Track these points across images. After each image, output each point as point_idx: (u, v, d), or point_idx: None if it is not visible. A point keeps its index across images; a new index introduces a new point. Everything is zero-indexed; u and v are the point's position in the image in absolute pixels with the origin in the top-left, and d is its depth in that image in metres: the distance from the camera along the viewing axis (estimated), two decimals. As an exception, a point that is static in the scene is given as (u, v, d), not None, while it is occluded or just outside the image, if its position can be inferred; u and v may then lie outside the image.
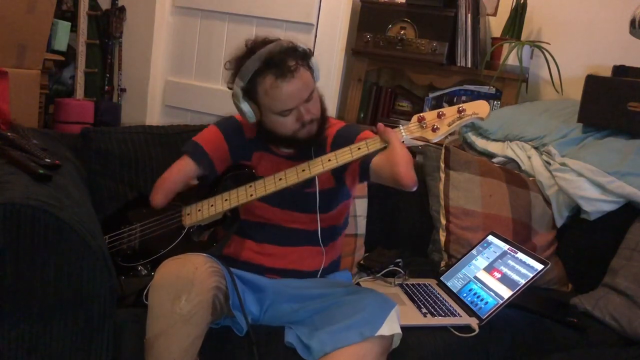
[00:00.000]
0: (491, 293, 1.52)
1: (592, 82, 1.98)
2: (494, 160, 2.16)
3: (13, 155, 1.26)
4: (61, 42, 2.92)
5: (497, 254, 1.65)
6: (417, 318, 1.45)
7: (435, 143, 2.26)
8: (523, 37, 2.46)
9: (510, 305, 1.47)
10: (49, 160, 1.30)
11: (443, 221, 1.90)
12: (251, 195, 1.37)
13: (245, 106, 1.38)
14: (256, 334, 1.27)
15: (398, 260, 1.75)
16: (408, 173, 1.27)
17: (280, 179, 1.36)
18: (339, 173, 1.45)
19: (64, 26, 2.92)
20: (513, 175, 2.01)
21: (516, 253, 1.60)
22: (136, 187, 1.71)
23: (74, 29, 3.00)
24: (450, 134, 1.42)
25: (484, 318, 1.45)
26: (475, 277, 1.62)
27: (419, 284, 1.66)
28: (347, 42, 2.76)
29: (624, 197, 1.83)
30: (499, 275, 1.57)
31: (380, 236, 1.92)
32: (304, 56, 1.38)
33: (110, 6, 3.11)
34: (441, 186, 1.94)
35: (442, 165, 1.97)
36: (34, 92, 2.52)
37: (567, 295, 1.78)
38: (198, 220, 1.42)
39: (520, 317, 1.54)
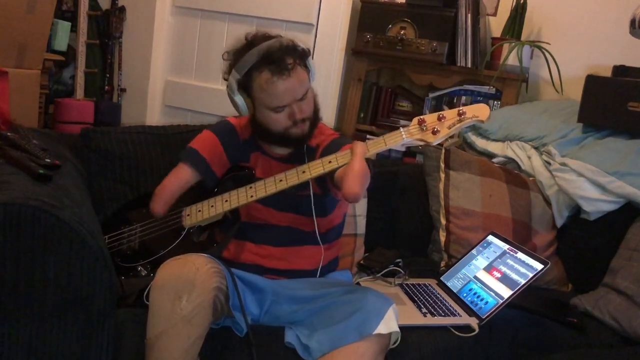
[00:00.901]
0: (491, 293, 1.52)
1: (592, 82, 1.98)
2: (494, 160, 2.16)
3: (13, 155, 1.26)
4: (61, 42, 2.92)
5: (497, 253, 1.65)
6: (417, 318, 1.45)
7: (435, 145, 2.28)
8: (523, 37, 2.46)
9: (510, 305, 1.47)
10: (49, 160, 1.30)
11: (443, 221, 1.90)
12: (251, 196, 1.37)
13: (239, 99, 1.39)
14: (256, 334, 1.27)
15: (398, 260, 1.75)
16: (353, 185, 1.25)
17: (281, 180, 1.35)
18: (322, 182, 1.45)
19: (64, 26, 2.92)
20: (513, 175, 2.01)
21: (516, 253, 1.60)
22: (136, 187, 1.71)
23: (74, 29, 3.00)
24: (450, 137, 1.42)
25: (484, 318, 1.45)
26: (475, 277, 1.62)
27: (419, 284, 1.66)
28: (347, 42, 2.76)
29: (624, 197, 1.83)
30: (499, 275, 1.57)
31: (380, 236, 1.93)
32: (302, 55, 1.39)
33: (110, 6, 3.11)
34: (441, 186, 1.94)
35: (442, 165, 1.97)
36: (34, 92, 2.52)
37: (567, 295, 1.78)
38: (198, 221, 1.42)
39: (520, 317, 1.54)
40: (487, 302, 1.49)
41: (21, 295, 1.09)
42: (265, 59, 1.33)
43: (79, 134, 1.74)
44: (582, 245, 1.93)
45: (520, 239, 1.84)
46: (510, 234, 1.84)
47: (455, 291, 1.62)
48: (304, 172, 1.34)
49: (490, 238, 1.73)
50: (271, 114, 1.38)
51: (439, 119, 1.32)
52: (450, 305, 1.53)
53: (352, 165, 1.26)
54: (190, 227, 1.44)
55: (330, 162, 1.32)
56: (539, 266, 1.50)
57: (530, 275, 1.49)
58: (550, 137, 2.05)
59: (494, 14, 2.62)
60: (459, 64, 2.43)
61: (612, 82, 1.98)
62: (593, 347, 1.52)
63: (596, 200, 1.86)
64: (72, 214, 1.12)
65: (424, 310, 1.49)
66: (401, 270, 1.70)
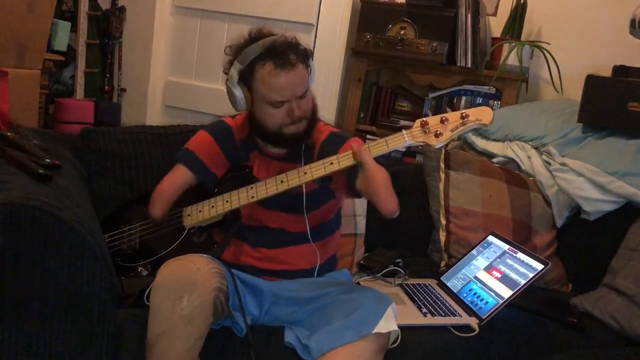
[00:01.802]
0: (491, 293, 1.52)
1: (592, 82, 1.98)
2: (494, 160, 2.16)
3: (13, 155, 1.26)
4: (61, 42, 2.92)
5: (497, 254, 1.65)
6: (417, 318, 1.45)
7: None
8: (523, 37, 2.46)
9: (511, 305, 1.47)
10: (49, 160, 1.30)
11: (443, 221, 1.90)
12: (252, 197, 1.37)
13: (238, 91, 1.38)
14: (256, 335, 1.27)
15: (398, 260, 1.75)
16: (389, 200, 1.28)
17: (282, 181, 1.35)
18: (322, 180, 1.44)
19: (64, 26, 2.92)
20: (513, 175, 2.01)
21: (516, 253, 1.60)
22: (136, 187, 1.70)
23: (74, 29, 3.01)
24: (452, 140, 1.42)
25: (484, 318, 1.45)
26: (476, 277, 1.62)
27: (419, 284, 1.66)
28: (347, 42, 2.76)
29: (624, 197, 1.83)
30: (499, 275, 1.57)
31: (380, 236, 1.92)
32: (305, 55, 1.39)
33: (110, 6, 3.11)
34: (441, 186, 1.94)
35: (442, 165, 1.97)
36: (34, 92, 2.52)
37: (567, 295, 1.78)
38: (199, 221, 1.42)
39: (520, 317, 1.54)
40: (487, 302, 1.49)
41: (21, 295, 1.08)
42: (270, 50, 1.33)
43: (79, 134, 1.74)
44: (582, 245, 1.93)
45: (520, 239, 1.84)
46: (510, 234, 1.84)
47: (455, 291, 1.62)
48: (305, 173, 1.33)
49: (491, 238, 1.73)
50: (269, 109, 1.37)
51: (442, 121, 1.31)
52: (451, 305, 1.53)
53: (374, 177, 1.25)
54: (191, 228, 1.44)
55: (332, 163, 1.31)
56: (539, 266, 1.50)
57: (531, 275, 1.49)
58: (550, 137, 2.05)
59: (494, 14, 2.62)
60: (459, 64, 2.43)
61: (612, 82, 1.98)
62: (593, 347, 1.52)
63: (596, 200, 1.85)
64: (72, 214, 1.12)
65: (424, 310, 1.49)
66: (401, 270, 1.70)
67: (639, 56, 2.25)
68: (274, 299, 1.39)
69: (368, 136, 2.57)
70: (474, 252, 1.73)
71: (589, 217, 1.88)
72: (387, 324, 1.22)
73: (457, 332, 1.42)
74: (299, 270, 1.46)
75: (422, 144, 1.32)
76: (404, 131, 1.32)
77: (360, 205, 1.87)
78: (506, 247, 1.65)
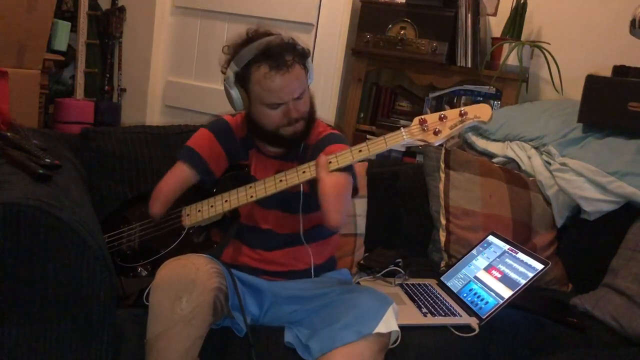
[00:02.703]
0: (491, 293, 1.52)
1: (592, 82, 1.98)
2: (494, 160, 2.16)
3: (13, 155, 1.26)
4: (61, 42, 2.92)
5: (498, 254, 1.65)
6: (417, 317, 1.45)
7: (436, 146, 2.27)
8: (523, 37, 2.46)
9: (511, 305, 1.47)
10: (49, 160, 1.30)
11: (443, 221, 1.90)
12: (251, 196, 1.37)
13: (235, 92, 1.38)
14: (256, 335, 1.27)
15: (398, 260, 1.75)
16: (331, 214, 1.28)
17: (281, 181, 1.34)
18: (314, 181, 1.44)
19: (64, 26, 2.92)
20: (513, 175, 2.01)
21: (516, 253, 1.60)
22: (136, 187, 1.70)
23: (74, 29, 3.00)
24: (451, 137, 1.41)
25: (484, 318, 1.45)
26: (476, 277, 1.62)
27: (419, 284, 1.66)
28: (347, 42, 2.76)
29: (624, 197, 1.83)
30: (499, 275, 1.57)
31: (381, 236, 1.92)
32: (302, 55, 1.38)
33: (110, 6, 3.11)
34: (441, 186, 1.94)
35: (442, 165, 1.97)
36: (34, 92, 2.52)
37: (567, 295, 1.78)
38: (198, 220, 1.42)
39: (520, 317, 1.54)
40: (487, 302, 1.49)
41: (21, 295, 1.08)
42: (264, 53, 1.33)
43: (79, 134, 1.74)
44: (582, 245, 1.93)
45: (521, 239, 1.84)
46: (510, 234, 1.84)
47: (455, 291, 1.62)
48: (304, 172, 1.33)
49: (491, 238, 1.73)
50: (266, 110, 1.37)
51: (441, 119, 1.30)
52: (451, 305, 1.53)
53: (322, 185, 1.28)
54: (190, 227, 1.43)
55: (330, 162, 1.31)
56: (539, 266, 1.50)
57: (531, 275, 1.49)
58: (550, 137, 2.05)
59: (494, 14, 2.62)
60: (459, 64, 2.43)
61: (612, 82, 1.98)
62: (593, 347, 1.52)
63: (596, 200, 1.86)
64: (72, 214, 1.12)
65: (424, 310, 1.49)
66: (401, 271, 1.70)
67: (639, 56, 2.25)
68: (274, 298, 1.38)
69: (368, 136, 2.56)
70: (474, 252, 1.73)
71: (589, 217, 1.88)
72: (388, 324, 1.22)
73: (457, 332, 1.42)
74: (296, 271, 1.46)
75: (421, 141, 1.31)
76: (402, 129, 1.31)
77: (360, 205, 1.87)
78: (506, 247, 1.65)
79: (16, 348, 1.09)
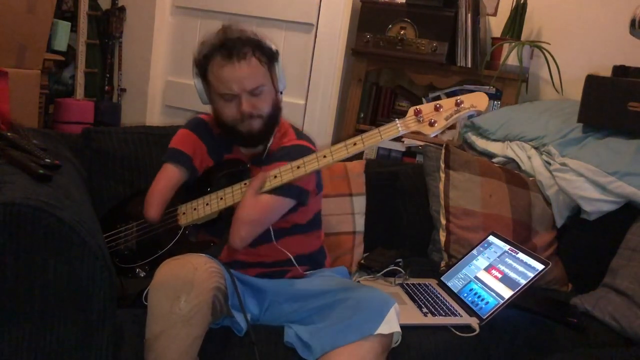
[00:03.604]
0: (492, 293, 1.52)
1: (592, 82, 1.98)
2: (494, 160, 2.16)
3: (13, 155, 1.26)
4: (61, 42, 2.92)
5: (498, 254, 1.65)
6: (417, 317, 1.45)
7: (435, 142, 2.28)
8: (523, 37, 2.46)
9: (511, 305, 1.47)
10: (49, 160, 1.30)
11: (443, 221, 1.90)
12: None
13: (198, 83, 1.43)
14: (256, 334, 1.27)
15: (398, 260, 1.75)
16: (235, 233, 1.31)
17: (275, 177, 1.33)
18: None
19: (64, 26, 2.91)
20: (513, 175, 2.01)
21: (517, 253, 1.60)
22: (136, 187, 1.70)
23: (74, 29, 3.00)
24: (447, 128, 1.39)
25: (484, 318, 1.45)
26: (476, 277, 1.62)
27: (419, 284, 1.66)
28: (347, 42, 2.76)
29: (624, 197, 1.83)
30: (499, 276, 1.57)
31: (381, 236, 1.92)
32: (265, 53, 1.39)
33: (110, 6, 3.11)
34: (441, 186, 1.94)
35: (442, 165, 1.97)
36: (34, 92, 2.52)
37: (567, 295, 1.78)
38: (194, 219, 1.41)
39: (521, 317, 1.54)
40: (487, 302, 1.49)
41: (21, 295, 1.08)
42: (221, 43, 1.36)
43: (79, 134, 1.74)
44: (582, 245, 1.93)
45: (521, 239, 1.84)
46: (510, 234, 1.84)
47: (455, 291, 1.62)
48: (298, 167, 1.32)
49: (491, 238, 1.73)
50: (221, 102, 1.39)
51: (436, 109, 1.28)
52: (451, 305, 1.53)
53: (240, 206, 1.32)
54: (186, 226, 1.43)
55: (325, 156, 1.31)
56: (539, 267, 1.50)
57: (531, 275, 1.49)
58: (550, 137, 2.05)
59: (494, 14, 2.62)
60: (459, 64, 2.42)
61: (612, 82, 1.98)
62: (593, 347, 1.52)
63: (596, 200, 1.85)
64: (72, 214, 1.12)
65: (425, 310, 1.49)
66: (402, 270, 1.70)
67: (639, 56, 2.25)
68: (273, 297, 1.38)
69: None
70: (474, 252, 1.73)
71: (589, 217, 1.88)
72: (390, 325, 1.22)
73: (457, 332, 1.42)
74: (279, 261, 1.45)
75: (416, 133, 1.29)
76: (397, 120, 1.29)
77: (358, 203, 1.87)
78: (507, 247, 1.65)
79: (16, 348, 1.09)
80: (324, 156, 1.31)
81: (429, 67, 2.48)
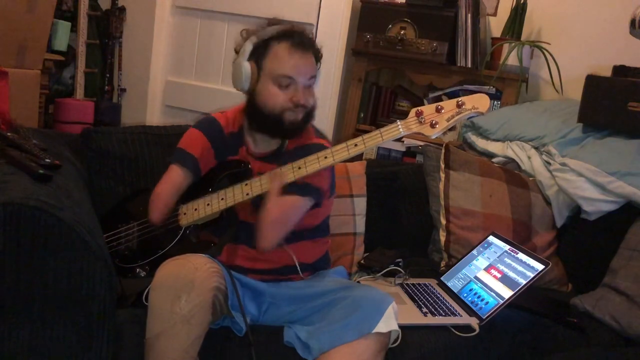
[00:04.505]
0: (492, 293, 1.52)
1: (592, 82, 1.98)
2: (494, 160, 2.16)
3: (13, 155, 1.26)
4: (61, 42, 2.92)
5: (498, 254, 1.65)
6: (417, 317, 1.45)
7: (435, 142, 2.27)
8: (523, 37, 2.46)
9: (511, 305, 1.47)
10: (49, 160, 1.30)
11: (443, 221, 1.90)
12: (247, 194, 1.36)
13: (247, 66, 1.38)
14: (255, 334, 1.27)
15: (398, 260, 1.75)
16: (266, 237, 1.32)
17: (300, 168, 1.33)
18: None
19: (64, 26, 2.92)
20: (513, 175, 2.01)
21: (517, 253, 1.60)
22: (136, 187, 1.70)
23: (74, 29, 3.00)
24: (449, 130, 1.39)
25: (484, 318, 1.45)
26: (476, 277, 1.62)
27: (419, 284, 1.66)
28: (347, 42, 2.76)
29: (624, 197, 1.83)
30: (499, 276, 1.57)
31: (381, 236, 1.93)
32: (317, 54, 1.44)
33: (110, 6, 3.11)
34: (441, 186, 1.94)
35: (442, 165, 1.97)
36: (34, 92, 2.52)
37: (567, 295, 1.78)
38: (195, 219, 1.41)
39: (521, 317, 1.54)
40: (487, 302, 1.49)
41: (21, 295, 1.08)
42: (287, 32, 1.39)
43: (79, 134, 1.74)
44: (582, 245, 1.92)
45: (521, 239, 1.84)
46: (510, 234, 1.84)
47: (455, 291, 1.62)
48: (299, 168, 1.32)
49: (491, 238, 1.73)
50: (274, 89, 1.37)
51: (437, 110, 1.29)
52: (451, 305, 1.53)
53: (267, 208, 1.31)
54: (187, 227, 1.43)
55: (326, 157, 1.31)
56: (539, 267, 1.50)
57: (531, 275, 1.49)
58: (550, 137, 2.05)
59: (494, 14, 2.62)
60: (459, 64, 2.42)
61: (612, 82, 1.98)
62: (593, 347, 1.52)
63: (596, 200, 1.85)
64: (72, 214, 1.12)
65: (425, 310, 1.49)
66: (401, 270, 1.70)
67: (639, 56, 2.25)
68: (272, 299, 1.38)
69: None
70: (474, 252, 1.73)
71: (589, 217, 1.88)
72: (388, 324, 1.22)
73: (457, 332, 1.42)
74: (278, 268, 1.44)
75: (417, 134, 1.30)
76: (398, 122, 1.30)
77: (359, 205, 1.87)
78: (507, 247, 1.65)
79: (16, 348, 1.09)
80: (325, 157, 1.31)
81: (429, 67, 2.48)
